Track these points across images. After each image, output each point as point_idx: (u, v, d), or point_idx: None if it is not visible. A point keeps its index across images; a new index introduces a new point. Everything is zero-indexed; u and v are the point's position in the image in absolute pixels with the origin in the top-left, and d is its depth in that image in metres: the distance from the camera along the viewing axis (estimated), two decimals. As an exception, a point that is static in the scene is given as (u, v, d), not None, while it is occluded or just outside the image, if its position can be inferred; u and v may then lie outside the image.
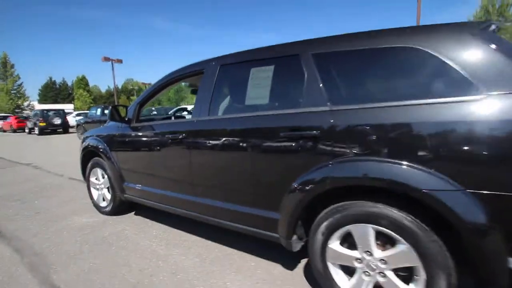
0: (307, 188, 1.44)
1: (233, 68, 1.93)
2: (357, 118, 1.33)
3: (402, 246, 1.23)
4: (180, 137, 2.01)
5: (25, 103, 37.84)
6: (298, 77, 1.58)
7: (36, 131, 16.28)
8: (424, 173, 1.14)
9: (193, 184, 2.02)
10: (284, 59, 1.67)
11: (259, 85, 1.74)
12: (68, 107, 38.91)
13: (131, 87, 65.26)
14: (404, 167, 1.18)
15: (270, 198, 1.63)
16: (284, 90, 1.68)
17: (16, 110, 35.45)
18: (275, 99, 1.69)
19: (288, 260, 1.97)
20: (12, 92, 36.28)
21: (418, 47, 1.27)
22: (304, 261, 1.97)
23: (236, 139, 1.73)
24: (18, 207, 3.37)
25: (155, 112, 11.92)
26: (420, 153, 1.17)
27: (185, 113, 3.65)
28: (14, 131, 19.87)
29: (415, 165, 1.17)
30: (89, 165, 3.04)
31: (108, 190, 2.89)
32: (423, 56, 1.25)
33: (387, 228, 1.25)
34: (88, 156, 3.04)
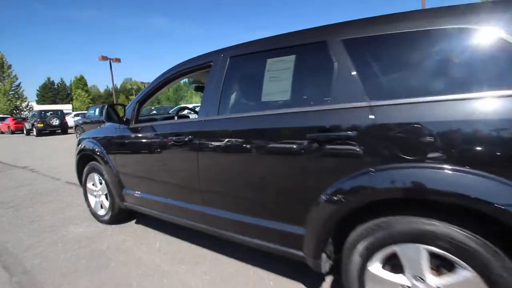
0: (341, 200, 1.20)
1: (246, 60, 1.69)
2: (405, 115, 1.09)
3: (466, 273, 1.00)
4: (186, 139, 1.78)
5: (24, 104, 37.54)
6: (326, 68, 1.34)
7: (34, 132, 16.03)
8: (506, 186, 0.91)
9: (201, 192, 1.78)
10: (307, 47, 1.43)
11: (278, 78, 1.50)
12: (66, 107, 38.60)
13: (130, 87, 64.95)
14: (477, 177, 0.95)
15: (294, 210, 1.39)
16: (309, 83, 1.44)
17: (15, 111, 35.17)
18: (298, 94, 1.45)
19: (312, 279, 1.73)
20: (10, 93, 35.96)
21: (481, 27, 1.03)
22: (329, 280, 1.74)
23: (251, 141, 1.49)
24: (11, 215, 3.14)
25: (154, 112, 11.62)
26: (497, 160, 0.93)
27: (186, 111, 3.36)
28: (12, 132, 19.62)
29: (490, 175, 0.93)
30: (86, 169, 2.80)
31: (106, 197, 2.66)
32: (489, 38, 1.01)
33: (447, 251, 1.02)
34: (84, 160, 2.80)
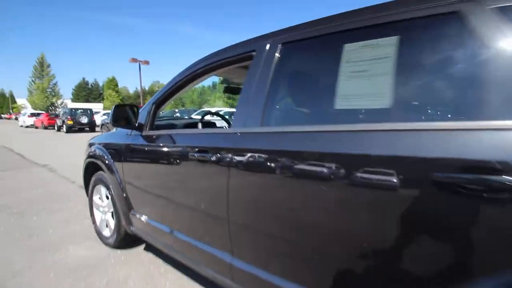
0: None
1: (307, 47, 1.15)
2: None
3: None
4: (213, 158, 1.25)
5: (59, 101, 39.68)
6: (467, 55, 0.76)
7: (64, 129, 16.54)
8: None
9: (230, 235, 1.24)
10: (422, 23, 0.86)
11: (365, 73, 0.93)
12: (97, 106, 40.28)
13: (157, 89, 67.04)
14: None
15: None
16: (430, 82, 0.86)
17: (50, 108, 37.22)
18: (407, 99, 0.87)
19: None
20: (48, 90, 38.17)
21: None
22: None
23: (316, 171, 0.93)
24: (12, 224, 2.79)
25: (178, 114, 11.34)
26: None
27: (211, 117, 2.77)
28: (45, 127, 20.48)
29: None
30: (92, 180, 2.38)
31: (112, 216, 2.21)
32: None
33: None
34: (92, 169, 2.38)
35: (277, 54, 1.20)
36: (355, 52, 0.97)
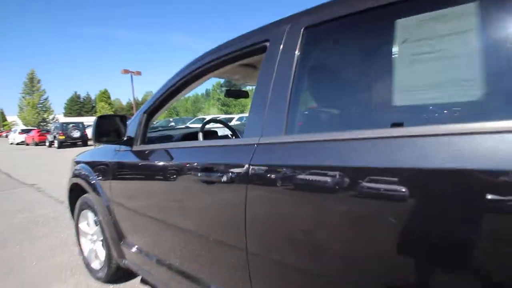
0: None
1: (340, 29, 0.89)
2: None
3: None
4: (224, 178, 0.97)
5: (50, 117, 38.99)
6: None
7: (56, 144, 16.07)
8: None
9: (249, 274, 0.96)
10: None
11: (436, 55, 0.67)
12: (89, 119, 39.65)
13: (151, 99, 66.49)
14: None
15: None
16: None
17: (42, 124, 36.52)
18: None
19: None
20: (38, 106, 37.53)
21: None
22: None
23: (366, 190, 0.66)
24: (-10, 257, 2.45)
25: (173, 124, 10.93)
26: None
27: (212, 125, 2.28)
28: (36, 144, 19.91)
29: None
30: (78, 204, 2.07)
31: (102, 245, 1.90)
32: None
33: None
34: (77, 190, 2.08)
35: (299, 42, 0.93)
36: (416, 29, 0.71)
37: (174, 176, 1.21)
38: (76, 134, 16.22)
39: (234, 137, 2.08)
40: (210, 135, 1.99)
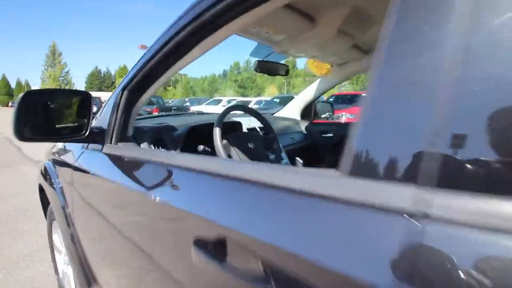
0: None
1: None
2: None
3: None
4: None
5: (71, 90, 39.70)
6: None
7: (73, 118, 16.12)
8: None
9: None
10: None
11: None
12: (106, 95, 40.07)
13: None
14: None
15: None
16: None
17: (63, 97, 37.30)
18: None
19: None
20: (60, 79, 38.16)
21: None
22: None
23: None
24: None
25: (187, 104, 10.15)
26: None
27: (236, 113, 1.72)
28: (56, 117, 20.14)
29: None
30: (48, 211, 1.53)
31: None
32: None
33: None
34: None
35: None
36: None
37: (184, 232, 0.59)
38: (93, 109, 16.14)
39: (264, 133, 1.43)
40: (232, 129, 1.25)
